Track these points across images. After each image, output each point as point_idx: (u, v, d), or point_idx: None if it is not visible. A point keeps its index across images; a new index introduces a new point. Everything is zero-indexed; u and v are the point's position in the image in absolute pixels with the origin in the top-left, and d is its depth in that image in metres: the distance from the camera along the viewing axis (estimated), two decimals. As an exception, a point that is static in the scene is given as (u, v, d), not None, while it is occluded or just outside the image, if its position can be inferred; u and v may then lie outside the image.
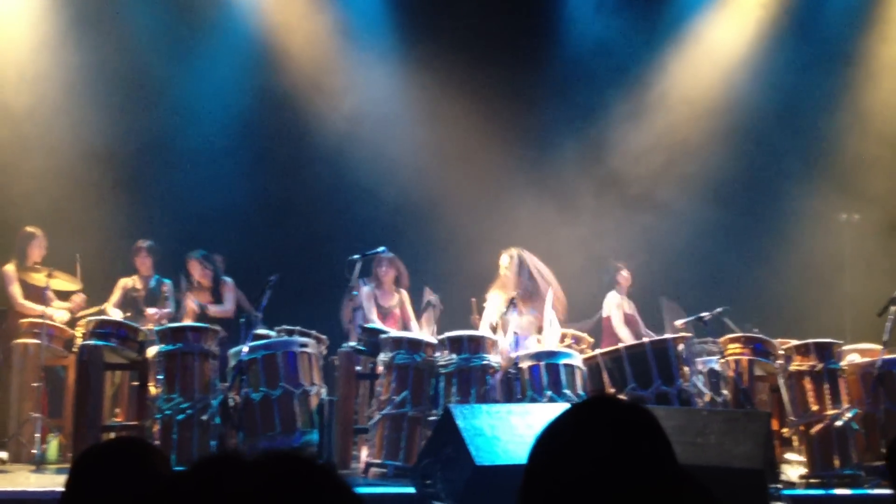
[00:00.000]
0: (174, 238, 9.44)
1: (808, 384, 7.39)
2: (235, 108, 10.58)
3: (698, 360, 7.92)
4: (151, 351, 7.45)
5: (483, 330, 7.96)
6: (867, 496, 6.89)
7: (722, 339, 8.00)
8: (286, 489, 1.25)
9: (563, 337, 8.59)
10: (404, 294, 8.87)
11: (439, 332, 8.02)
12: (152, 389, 7.39)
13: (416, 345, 7.55)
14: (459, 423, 5.93)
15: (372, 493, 6.63)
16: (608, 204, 10.73)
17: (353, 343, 8.01)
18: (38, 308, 8.12)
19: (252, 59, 10.70)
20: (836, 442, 7.25)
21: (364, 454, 7.67)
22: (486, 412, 6.18)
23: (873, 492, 6.88)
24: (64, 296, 8.77)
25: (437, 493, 5.96)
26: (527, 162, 11.00)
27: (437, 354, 7.53)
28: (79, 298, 8.72)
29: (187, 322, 8.20)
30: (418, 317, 8.80)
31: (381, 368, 7.57)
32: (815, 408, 7.34)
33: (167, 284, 9.01)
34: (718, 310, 8.22)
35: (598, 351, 7.75)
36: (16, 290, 8.54)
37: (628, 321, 9.42)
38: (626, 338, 8.98)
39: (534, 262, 8.19)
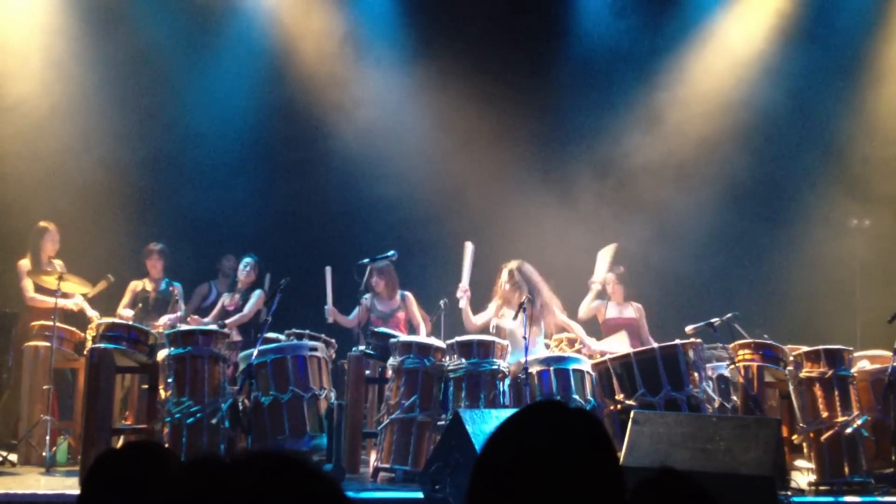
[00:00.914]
0: (188, 243, 9.48)
1: (818, 391, 7.35)
2: (247, 117, 10.66)
3: (708, 365, 7.89)
4: (161, 354, 7.46)
5: (468, 318, 8.12)
6: None
7: (732, 345, 7.93)
8: (265, 488, 1.27)
9: (559, 341, 8.65)
10: (409, 297, 8.85)
11: (448, 337, 8.01)
12: (162, 393, 7.39)
13: (425, 349, 7.55)
14: (469, 427, 5.93)
15: (380, 497, 6.64)
16: (620, 207, 10.71)
17: (362, 347, 8.02)
18: (50, 301, 8.10)
19: (264, 70, 10.79)
20: (845, 449, 7.21)
21: (373, 458, 7.68)
22: (495, 417, 6.17)
23: (883, 499, 6.87)
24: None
25: (445, 497, 5.96)
26: (539, 166, 11.00)
27: (447, 359, 7.53)
28: (81, 301, 8.70)
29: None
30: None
31: (390, 373, 7.59)
32: (825, 414, 7.29)
33: (177, 287, 9.08)
34: (728, 315, 8.19)
35: (607, 356, 7.68)
36: (27, 285, 8.56)
37: (620, 327, 8.95)
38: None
39: (534, 275, 8.15)
